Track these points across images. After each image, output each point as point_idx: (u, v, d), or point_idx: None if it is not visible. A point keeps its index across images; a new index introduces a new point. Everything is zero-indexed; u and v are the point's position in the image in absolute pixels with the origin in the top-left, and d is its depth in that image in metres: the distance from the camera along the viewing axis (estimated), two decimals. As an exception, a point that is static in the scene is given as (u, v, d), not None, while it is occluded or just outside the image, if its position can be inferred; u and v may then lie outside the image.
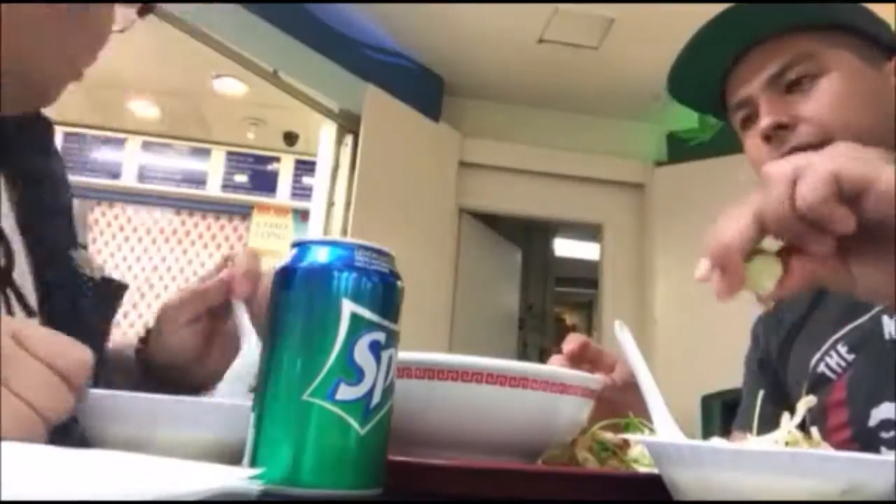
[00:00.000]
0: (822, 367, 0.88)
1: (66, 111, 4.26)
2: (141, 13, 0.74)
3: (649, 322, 4.01)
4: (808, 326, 0.95)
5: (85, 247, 0.81)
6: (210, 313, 0.72)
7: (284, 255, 0.42)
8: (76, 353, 0.45)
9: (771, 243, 0.55)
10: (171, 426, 0.48)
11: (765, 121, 0.86)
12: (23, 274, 0.69)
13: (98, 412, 0.48)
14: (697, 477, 0.38)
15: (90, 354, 0.46)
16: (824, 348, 0.89)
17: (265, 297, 0.69)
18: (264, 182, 4.83)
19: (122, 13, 0.72)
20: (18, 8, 0.63)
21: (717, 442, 0.44)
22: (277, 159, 4.85)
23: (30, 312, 0.68)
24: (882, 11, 0.92)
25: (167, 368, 0.73)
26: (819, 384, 0.87)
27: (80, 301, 0.74)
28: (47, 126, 0.80)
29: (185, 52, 3.16)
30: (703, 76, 0.94)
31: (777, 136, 0.85)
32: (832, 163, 0.49)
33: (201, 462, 0.36)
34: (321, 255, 0.41)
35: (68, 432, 0.48)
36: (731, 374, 1.19)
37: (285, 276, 0.41)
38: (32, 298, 0.69)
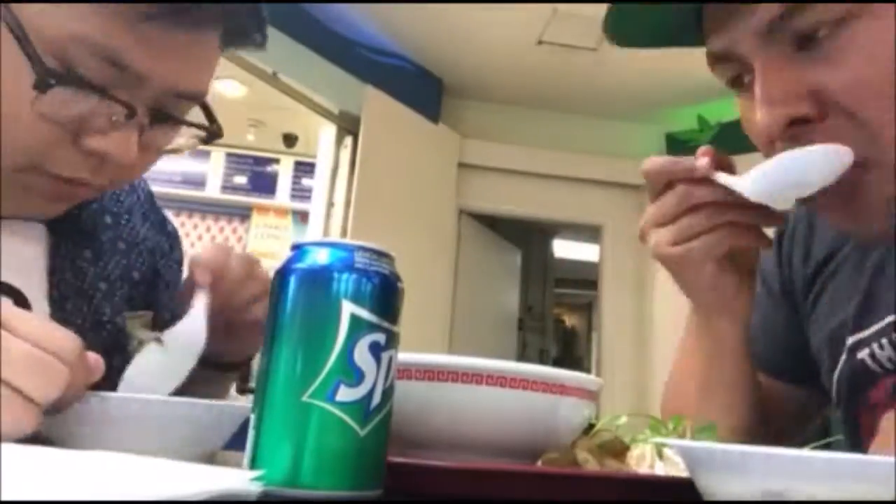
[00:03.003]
0: (863, 354, 0.69)
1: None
2: (205, 141, 0.70)
3: (649, 322, 4.01)
4: (842, 273, 0.75)
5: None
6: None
7: (284, 257, 0.42)
8: (62, 334, 0.44)
9: None
10: (146, 426, 0.47)
11: (769, 115, 0.57)
12: None
13: (70, 412, 0.48)
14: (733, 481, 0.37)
15: (78, 339, 0.45)
16: (874, 330, 0.68)
17: (235, 283, 0.68)
18: (264, 183, 4.83)
19: (183, 136, 0.69)
20: None
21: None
22: (277, 161, 4.85)
23: None
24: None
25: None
26: (858, 371, 0.70)
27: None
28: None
29: (184, 53, 3.16)
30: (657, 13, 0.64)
31: (793, 134, 0.57)
32: None
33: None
34: (321, 257, 0.41)
35: None
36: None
37: (285, 277, 0.41)
38: None
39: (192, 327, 0.63)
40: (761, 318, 0.84)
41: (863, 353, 0.69)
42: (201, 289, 0.65)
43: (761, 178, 0.59)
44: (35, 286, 0.67)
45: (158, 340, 0.67)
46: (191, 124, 0.68)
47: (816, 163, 0.57)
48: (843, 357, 0.72)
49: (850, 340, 0.71)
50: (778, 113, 0.56)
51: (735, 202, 0.63)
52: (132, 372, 0.59)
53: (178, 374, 0.61)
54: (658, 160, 0.69)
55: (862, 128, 0.56)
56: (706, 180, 0.65)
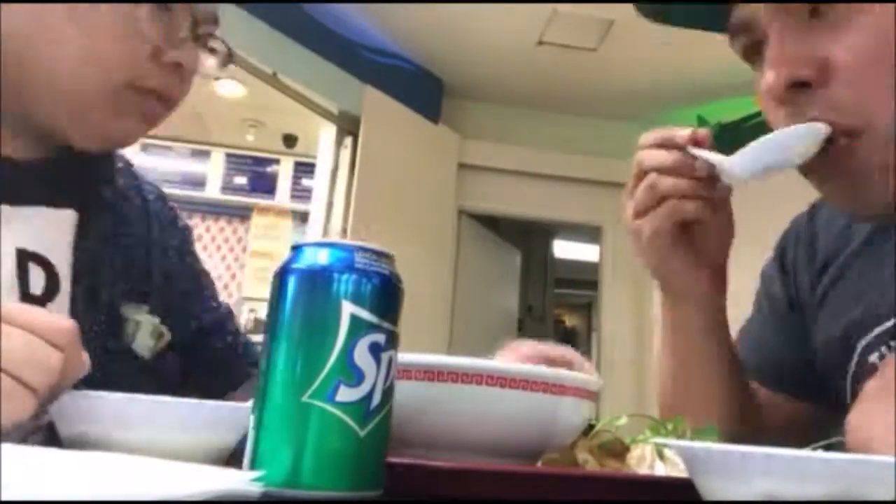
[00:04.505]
0: (874, 357, 0.69)
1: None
2: (223, 64, 0.77)
3: (649, 322, 4.01)
4: (847, 275, 0.75)
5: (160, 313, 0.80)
6: None
7: (284, 257, 0.42)
8: (57, 319, 0.45)
9: None
10: (147, 426, 0.47)
11: (774, 74, 0.60)
12: (62, 309, 0.69)
13: (71, 412, 0.48)
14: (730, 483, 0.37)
15: (73, 323, 0.46)
16: (882, 330, 0.68)
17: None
18: (264, 184, 4.83)
19: (204, 61, 0.76)
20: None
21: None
22: (277, 161, 4.85)
23: None
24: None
25: None
26: (868, 375, 0.68)
27: (110, 366, 0.73)
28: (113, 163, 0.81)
29: (184, 54, 3.16)
30: None
31: (794, 98, 0.60)
32: None
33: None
34: (321, 257, 0.41)
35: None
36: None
37: (285, 278, 0.41)
38: None
39: None
40: (763, 326, 0.85)
41: (873, 357, 0.70)
42: None
43: (738, 157, 0.63)
44: (61, 267, 0.71)
45: (153, 329, 0.70)
46: (219, 46, 0.77)
47: (793, 138, 0.60)
48: (855, 360, 0.72)
49: (860, 344, 0.71)
50: (782, 73, 0.59)
51: (685, 172, 0.66)
52: None
53: None
54: (649, 134, 0.70)
55: (859, 97, 0.58)
56: (678, 158, 0.67)
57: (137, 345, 0.76)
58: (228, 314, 0.92)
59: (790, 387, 0.84)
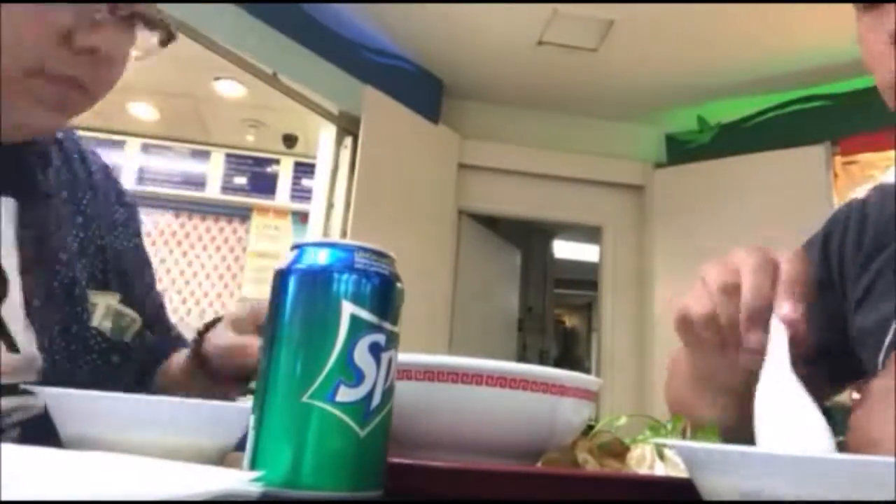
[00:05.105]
0: None
1: (65, 113, 4.25)
2: (163, 42, 0.74)
3: (649, 323, 4.01)
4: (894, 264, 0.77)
5: (124, 294, 0.79)
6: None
7: (284, 257, 0.42)
8: None
9: None
10: (145, 427, 0.47)
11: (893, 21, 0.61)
12: (14, 306, 0.68)
13: (70, 412, 0.48)
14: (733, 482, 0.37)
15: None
16: None
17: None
18: (264, 184, 4.83)
19: (142, 41, 0.72)
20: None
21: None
22: (277, 161, 4.85)
23: (13, 349, 0.67)
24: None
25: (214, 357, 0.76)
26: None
27: (81, 358, 0.73)
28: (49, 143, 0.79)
29: (184, 54, 3.16)
30: None
31: None
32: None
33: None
34: (321, 257, 0.41)
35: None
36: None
37: (285, 278, 0.41)
38: (22, 335, 0.68)
39: None
40: None
41: None
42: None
43: None
44: (7, 258, 0.69)
45: (119, 313, 0.70)
46: (151, 21, 0.72)
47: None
48: (889, 338, 0.73)
49: (892, 328, 0.72)
50: None
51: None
52: None
53: None
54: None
55: None
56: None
57: (108, 328, 0.76)
58: (162, 306, 0.92)
59: (814, 363, 0.85)
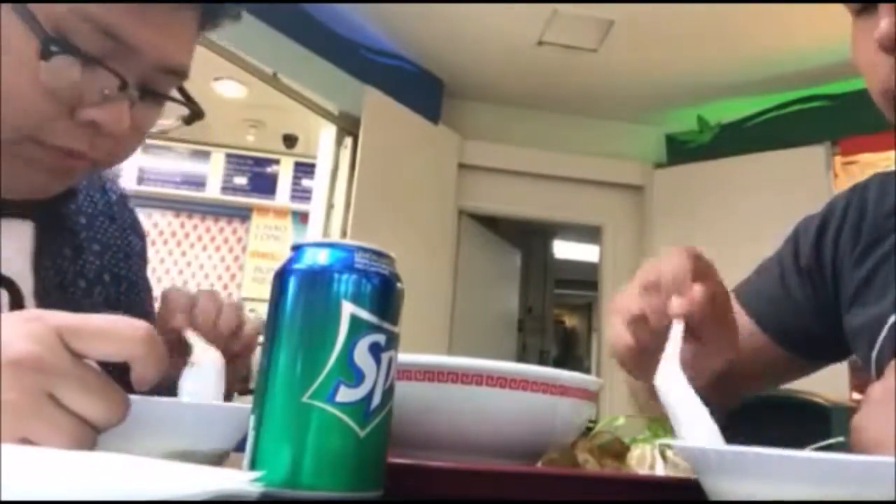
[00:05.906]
0: None
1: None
2: (188, 120, 0.72)
3: (649, 324, 4.01)
4: (892, 258, 0.78)
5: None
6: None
7: (284, 258, 0.42)
8: (133, 333, 0.42)
9: None
10: (144, 428, 0.47)
11: (886, 22, 0.61)
12: None
13: None
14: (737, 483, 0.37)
15: (150, 329, 0.43)
16: None
17: (203, 314, 0.69)
18: (264, 184, 4.84)
19: (171, 119, 0.71)
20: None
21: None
22: (277, 161, 4.85)
23: None
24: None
25: None
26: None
27: None
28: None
29: (184, 54, 3.16)
30: None
31: None
32: None
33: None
34: (321, 258, 0.41)
35: None
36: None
37: (285, 278, 0.41)
38: None
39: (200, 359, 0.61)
40: (780, 283, 0.88)
41: None
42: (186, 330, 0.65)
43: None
44: (23, 281, 0.68)
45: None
46: (175, 100, 0.71)
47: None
48: (884, 333, 0.74)
49: (893, 318, 0.73)
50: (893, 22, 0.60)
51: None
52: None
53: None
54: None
55: None
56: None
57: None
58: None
59: (794, 342, 0.87)
